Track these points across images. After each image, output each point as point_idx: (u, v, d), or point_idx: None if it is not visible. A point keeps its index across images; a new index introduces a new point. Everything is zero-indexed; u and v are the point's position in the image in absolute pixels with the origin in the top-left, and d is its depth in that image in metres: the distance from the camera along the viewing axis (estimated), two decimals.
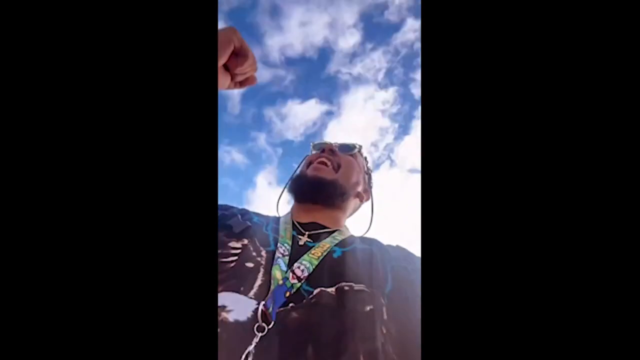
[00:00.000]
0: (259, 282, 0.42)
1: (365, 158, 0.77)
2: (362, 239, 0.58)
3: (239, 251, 0.46)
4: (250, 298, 0.40)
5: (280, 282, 0.41)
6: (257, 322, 0.37)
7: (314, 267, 0.45)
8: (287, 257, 0.47)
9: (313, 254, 0.47)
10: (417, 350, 0.36)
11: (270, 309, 0.38)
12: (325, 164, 0.64)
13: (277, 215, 0.67)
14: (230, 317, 0.37)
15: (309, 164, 0.66)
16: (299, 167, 0.72)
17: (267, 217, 0.63)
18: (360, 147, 0.75)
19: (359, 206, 0.73)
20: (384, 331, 0.38)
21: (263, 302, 0.38)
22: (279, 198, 0.70)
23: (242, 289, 0.41)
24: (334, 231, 0.57)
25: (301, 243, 0.51)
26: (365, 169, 0.75)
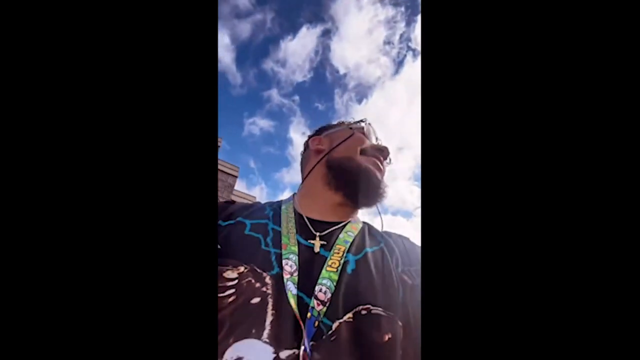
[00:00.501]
0: (269, 317, 0.38)
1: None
2: (370, 232, 0.56)
3: (235, 282, 0.41)
4: (265, 342, 0.35)
5: (301, 314, 0.38)
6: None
7: (335, 283, 0.42)
8: (296, 276, 0.42)
9: (331, 267, 0.44)
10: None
11: (308, 349, 0.35)
12: (384, 166, 0.60)
13: (279, 200, 0.63)
14: None
15: (364, 151, 0.60)
16: (339, 144, 0.60)
17: (267, 207, 0.58)
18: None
19: None
20: (401, 352, 0.38)
21: (303, 348, 0.35)
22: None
23: (253, 331, 0.36)
24: (346, 224, 0.55)
25: (316, 250, 0.47)
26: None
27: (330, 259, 0.45)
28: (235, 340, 0.35)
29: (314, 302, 0.39)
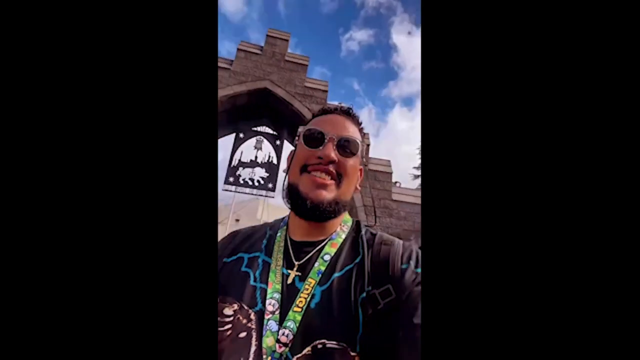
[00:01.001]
0: (253, 347, 0.48)
1: (362, 130, 0.66)
2: (353, 244, 0.58)
3: (231, 319, 0.51)
4: None
5: (268, 359, 0.46)
6: None
7: (298, 324, 0.48)
8: (277, 314, 0.50)
9: (298, 306, 0.50)
10: None
11: None
12: (325, 178, 0.57)
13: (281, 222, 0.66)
14: None
15: (305, 168, 0.58)
16: (291, 158, 0.63)
17: (267, 232, 0.64)
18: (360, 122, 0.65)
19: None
20: None
21: None
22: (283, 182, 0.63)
23: (245, 358, 0.47)
24: (325, 243, 0.58)
25: (289, 282, 0.54)
26: (363, 152, 0.65)
27: (299, 297, 0.51)
28: None
29: (275, 347, 0.47)
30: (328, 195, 0.56)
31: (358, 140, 0.61)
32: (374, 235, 0.60)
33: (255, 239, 0.63)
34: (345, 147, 0.59)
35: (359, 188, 0.66)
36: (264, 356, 0.46)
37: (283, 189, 0.62)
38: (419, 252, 0.55)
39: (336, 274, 0.53)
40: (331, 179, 0.57)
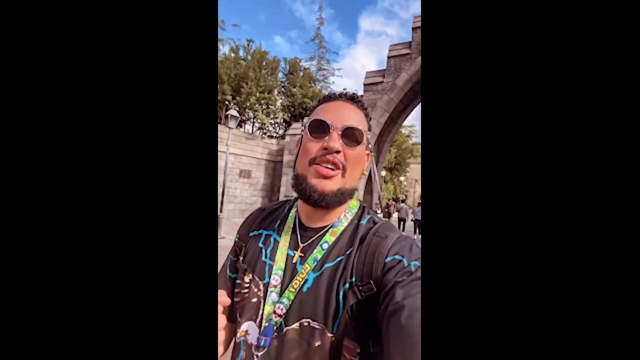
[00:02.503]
0: (260, 311, 0.60)
1: (368, 116, 0.67)
2: (351, 234, 0.61)
3: (248, 285, 0.63)
4: (257, 325, 0.59)
5: (266, 324, 0.58)
6: (259, 345, 0.57)
7: (290, 302, 0.57)
8: (278, 288, 0.59)
9: (293, 287, 0.58)
10: None
11: (263, 342, 0.57)
12: (331, 169, 0.58)
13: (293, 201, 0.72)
14: (249, 339, 0.58)
15: (313, 160, 0.59)
16: (299, 146, 0.64)
17: (284, 210, 0.71)
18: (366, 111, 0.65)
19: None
20: (326, 355, 0.53)
21: (258, 337, 0.58)
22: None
23: (253, 317, 0.60)
24: (327, 231, 0.63)
25: (294, 261, 0.61)
26: (368, 141, 0.65)
27: (295, 279, 0.58)
28: (245, 321, 0.60)
29: (272, 316, 0.58)
30: (333, 185, 0.58)
31: (362, 128, 0.60)
32: (375, 224, 0.62)
33: (273, 217, 0.70)
34: (350, 136, 0.59)
35: (365, 174, 0.66)
36: (264, 321, 0.58)
37: (292, 179, 0.65)
38: (413, 244, 0.57)
39: (328, 264, 0.58)
40: (336, 169, 0.58)
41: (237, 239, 0.72)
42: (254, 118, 15.66)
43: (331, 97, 0.65)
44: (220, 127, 9.17)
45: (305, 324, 0.55)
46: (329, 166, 0.58)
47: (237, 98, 14.06)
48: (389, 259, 0.54)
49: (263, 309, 0.58)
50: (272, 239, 0.66)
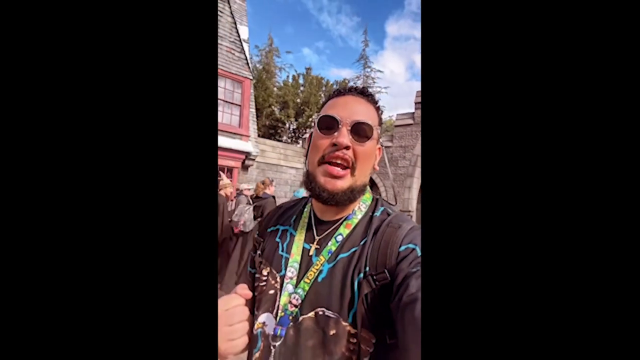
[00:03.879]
0: (277, 302, 0.61)
1: (379, 109, 0.65)
2: (366, 226, 0.61)
3: (265, 277, 0.65)
4: (274, 317, 0.60)
5: (282, 313, 0.59)
6: (276, 334, 0.58)
7: (305, 293, 0.58)
8: (294, 279, 0.61)
9: (308, 278, 0.59)
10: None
11: (279, 332, 0.58)
12: (340, 169, 0.58)
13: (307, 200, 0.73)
14: (266, 330, 0.60)
15: (323, 158, 0.59)
16: (309, 143, 0.65)
17: (300, 206, 0.72)
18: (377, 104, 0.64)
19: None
20: (343, 342, 0.53)
21: (274, 327, 0.59)
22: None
23: (270, 309, 0.62)
24: (341, 223, 0.63)
25: (310, 254, 0.62)
26: (379, 133, 0.64)
27: (310, 270, 0.60)
28: (263, 312, 0.62)
29: (288, 306, 0.59)
30: (343, 184, 0.58)
31: (372, 123, 0.59)
32: (388, 215, 0.62)
33: (290, 213, 0.72)
34: (359, 131, 0.58)
35: (377, 168, 0.66)
36: (280, 311, 0.59)
37: (303, 176, 0.67)
38: None
39: (342, 255, 0.59)
40: (346, 167, 0.58)
41: (256, 235, 0.74)
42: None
43: (341, 92, 0.64)
44: (284, 144, 9.89)
45: (320, 312, 0.55)
46: (339, 164, 0.58)
47: (299, 120, 14.89)
48: (402, 248, 0.53)
49: (279, 300, 0.60)
50: (288, 234, 0.67)
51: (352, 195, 0.59)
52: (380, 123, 0.65)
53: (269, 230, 0.72)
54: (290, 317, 0.58)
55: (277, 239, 0.68)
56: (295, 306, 0.58)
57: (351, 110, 0.59)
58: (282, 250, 0.65)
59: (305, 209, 0.70)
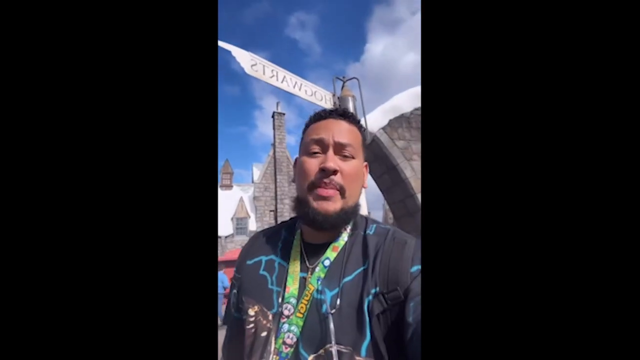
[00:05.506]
0: (272, 345, 0.53)
1: (362, 129, 0.65)
2: (361, 246, 0.58)
3: (253, 318, 0.56)
4: None
5: (277, 357, 0.51)
6: None
7: (300, 329, 0.52)
8: (292, 318, 0.53)
9: (300, 312, 0.53)
10: None
11: None
12: (329, 191, 0.56)
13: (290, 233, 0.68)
14: None
15: (312, 184, 0.57)
16: (295, 164, 0.65)
17: (283, 234, 0.66)
18: (360, 126, 0.64)
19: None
20: None
21: None
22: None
23: (263, 355, 0.52)
24: (327, 247, 0.60)
25: (306, 285, 0.56)
26: (364, 151, 0.64)
27: (300, 302, 0.53)
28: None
29: (282, 347, 0.51)
30: (335, 206, 0.56)
31: (356, 143, 0.59)
32: (386, 230, 0.59)
33: (272, 242, 0.65)
34: (345, 153, 0.58)
35: (366, 186, 0.64)
36: (274, 355, 0.51)
37: (293, 201, 0.63)
38: None
39: (346, 279, 0.54)
40: (335, 190, 0.56)
41: (235, 273, 0.67)
42: None
43: (322, 116, 0.63)
44: None
45: (330, 349, 0.48)
46: (328, 187, 0.56)
47: None
48: (414, 269, 0.51)
49: (275, 343, 0.52)
50: (276, 265, 0.61)
51: (345, 216, 0.57)
52: (364, 142, 0.64)
53: (248, 262, 0.64)
54: None
55: (263, 272, 0.60)
56: (290, 346, 0.51)
57: (334, 132, 0.59)
58: (272, 284, 0.58)
59: (296, 237, 0.64)
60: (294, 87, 2.17)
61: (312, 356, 0.49)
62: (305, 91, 2.21)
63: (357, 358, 0.47)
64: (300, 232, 0.64)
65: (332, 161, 0.56)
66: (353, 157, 0.58)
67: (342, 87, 2.40)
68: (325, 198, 0.56)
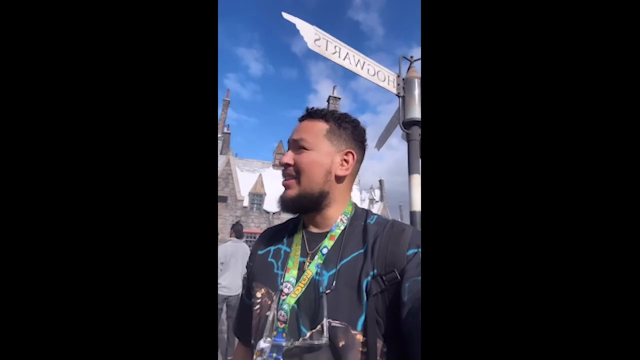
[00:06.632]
0: (272, 324, 0.58)
1: (332, 120, 0.68)
2: (361, 233, 0.62)
3: (259, 300, 0.63)
4: (270, 340, 0.56)
5: (275, 333, 0.56)
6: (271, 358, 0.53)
7: (291, 308, 0.57)
8: (286, 298, 0.59)
9: (295, 293, 0.58)
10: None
11: (274, 355, 0.53)
12: (288, 180, 0.66)
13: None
14: (264, 357, 0.55)
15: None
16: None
17: (290, 225, 0.73)
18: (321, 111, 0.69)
19: (353, 172, 0.69)
20: (354, 353, 0.50)
21: (270, 356, 0.54)
22: None
23: (268, 331, 0.57)
24: (326, 235, 0.64)
25: (305, 268, 0.62)
26: (332, 141, 0.66)
27: (298, 285, 0.59)
28: (259, 339, 0.57)
29: (277, 323, 0.57)
30: (291, 192, 0.65)
31: (311, 137, 0.65)
32: (386, 221, 0.63)
33: (281, 233, 0.73)
34: (297, 146, 0.66)
35: (340, 174, 0.66)
36: (272, 331, 0.57)
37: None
38: None
39: (344, 261, 0.58)
40: (292, 179, 0.65)
41: (248, 262, 0.75)
42: None
43: (299, 120, 0.72)
44: None
45: (326, 324, 0.53)
46: (286, 176, 0.66)
47: None
48: (410, 252, 0.54)
49: (274, 320, 0.58)
50: (282, 252, 0.68)
51: (306, 200, 0.63)
52: (338, 132, 0.67)
53: (259, 253, 0.72)
54: (283, 335, 0.56)
55: (270, 259, 0.68)
56: (284, 322, 0.57)
57: (293, 132, 0.68)
58: (278, 269, 0.65)
59: (299, 226, 0.71)
60: (357, 65, 2.03)
61: (310, 332, 0.54)
62: (368, 70, 2.06)
63: (353, 332, 0.51)
64: (302, 221, 0.71)
65: (285, 157, 0.66)
66: (305, 148, 0.65)
67: (409, 68, 2.20)
68: (285, 187, 0.66)
